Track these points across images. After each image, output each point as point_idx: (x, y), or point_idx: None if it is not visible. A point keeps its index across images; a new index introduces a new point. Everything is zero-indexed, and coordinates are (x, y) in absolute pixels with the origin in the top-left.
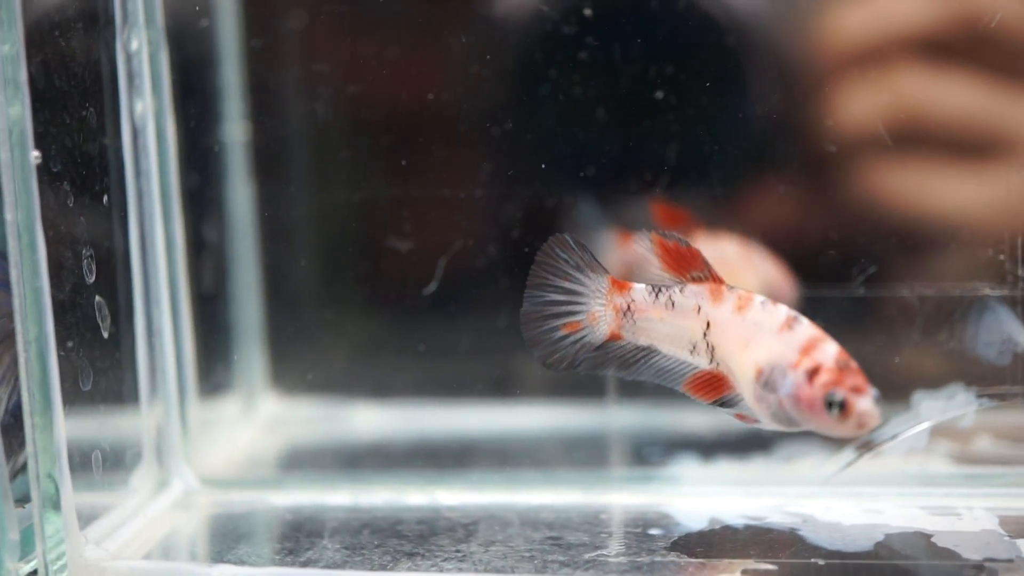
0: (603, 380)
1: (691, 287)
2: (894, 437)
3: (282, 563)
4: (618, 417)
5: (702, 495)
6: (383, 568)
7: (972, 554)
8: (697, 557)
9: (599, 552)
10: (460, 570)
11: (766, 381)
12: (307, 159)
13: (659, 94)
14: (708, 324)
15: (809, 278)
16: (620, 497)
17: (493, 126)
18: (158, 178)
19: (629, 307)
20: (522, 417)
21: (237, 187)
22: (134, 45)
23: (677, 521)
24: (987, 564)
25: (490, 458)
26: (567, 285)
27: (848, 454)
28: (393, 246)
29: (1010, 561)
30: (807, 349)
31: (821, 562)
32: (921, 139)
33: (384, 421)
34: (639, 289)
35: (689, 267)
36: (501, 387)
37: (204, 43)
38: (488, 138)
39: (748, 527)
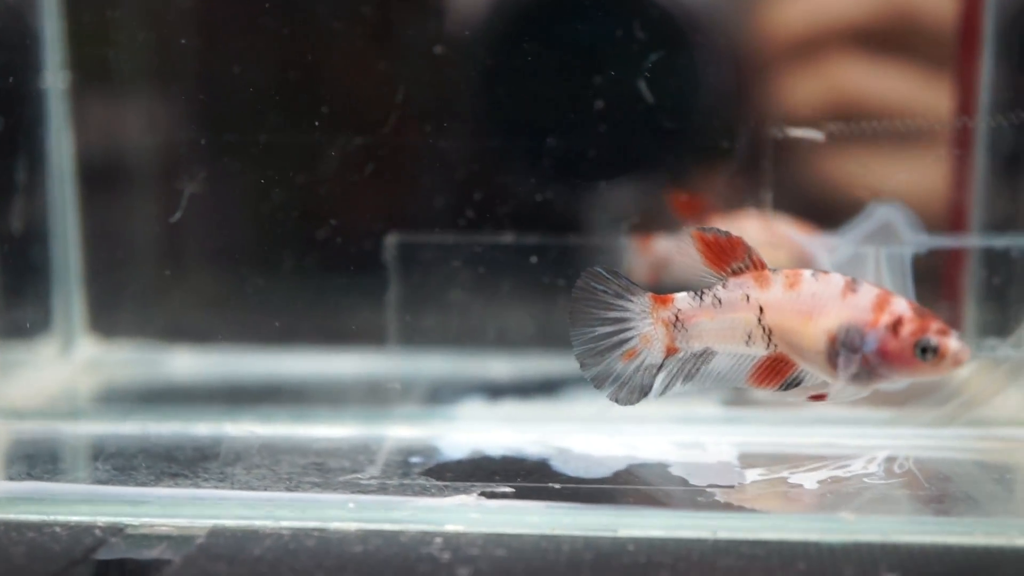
0: (402, 327)
1: (733, 280)
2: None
3: (45, 479)
4: (418, 362)
5: (475, 431)
6: (142, 485)
7: (699, 481)
8: (444, 480)
9: (354, 475)
10: (216, 487)
11: (843, 344)
12: (129, 106)
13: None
14: (761, 309)
15: None
16: (397, 431)
17: (307, 75)
18: None
19: (677, 317)
20: (327, 363)
21: (57, 133)
22: None
23: (441, 452)
24: (708, 488)
25: (288, 399)
26: (611, 315)
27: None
28: (189, 189)
29: (731, 487)
30: (880, 306)
31: (557, 486)
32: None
33: (198, 365)
34: (682, 298)
35: (730, 259)
36: (313, 334)
37: None
38: (307, 85)
39: (504, 457)
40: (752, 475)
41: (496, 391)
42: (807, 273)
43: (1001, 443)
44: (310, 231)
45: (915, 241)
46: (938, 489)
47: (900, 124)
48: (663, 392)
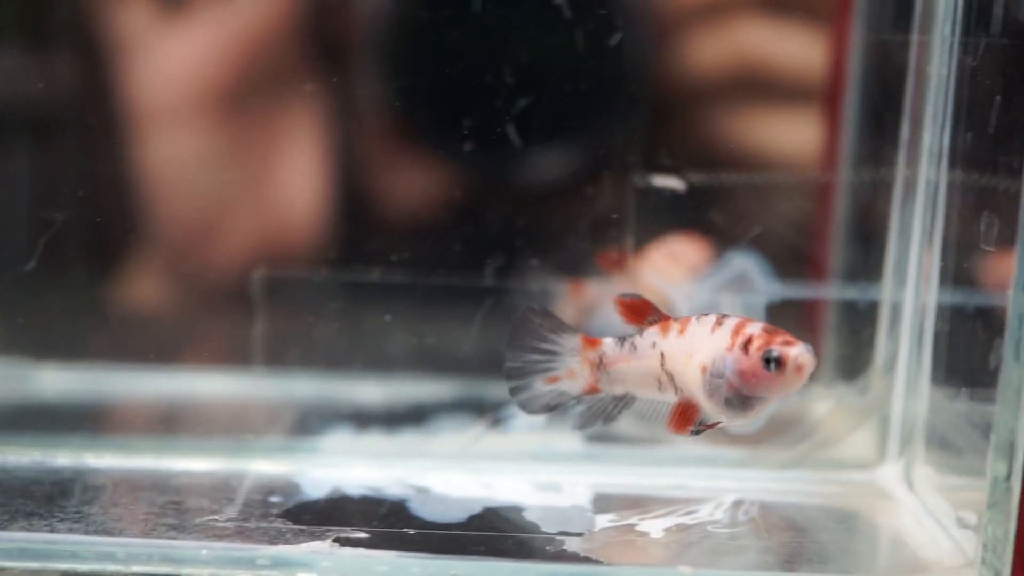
0: (269, 350)
1: (648, 330)
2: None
3: None
4: (284, 387)
5: (338, 466)
6: None
7: (550, 527)
8: (300, 524)
9: (211, 517)
10: (71, 530)
11: (712, 374)
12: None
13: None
14: (663, 355)
15: None
16: (260, 465)
17: None
18: None
19: (601, 360)
20: (197, 384)
21: None
22: None
23: (301, 490)
24: (557, 536)
25: (155, 424)
26: (544, 346)
27: (478, 428)
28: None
29: (580, 535)
30: (737, 331)
31: (412, 531)
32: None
33: (68, 384)
34: (608, 342)
35: (645, 315)
36: (187, 354)
37: None
38: None
39: (363, 497)
40: (602, 521)
41: (364, 420)
42: (694, 317)
43: (845, 487)
44: None
45: (769, 290)
46: (777, 540)
47: (761, 177)
48: (582, 428)
